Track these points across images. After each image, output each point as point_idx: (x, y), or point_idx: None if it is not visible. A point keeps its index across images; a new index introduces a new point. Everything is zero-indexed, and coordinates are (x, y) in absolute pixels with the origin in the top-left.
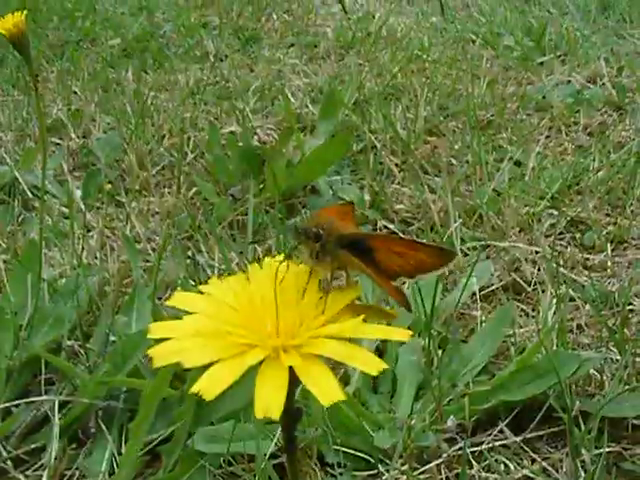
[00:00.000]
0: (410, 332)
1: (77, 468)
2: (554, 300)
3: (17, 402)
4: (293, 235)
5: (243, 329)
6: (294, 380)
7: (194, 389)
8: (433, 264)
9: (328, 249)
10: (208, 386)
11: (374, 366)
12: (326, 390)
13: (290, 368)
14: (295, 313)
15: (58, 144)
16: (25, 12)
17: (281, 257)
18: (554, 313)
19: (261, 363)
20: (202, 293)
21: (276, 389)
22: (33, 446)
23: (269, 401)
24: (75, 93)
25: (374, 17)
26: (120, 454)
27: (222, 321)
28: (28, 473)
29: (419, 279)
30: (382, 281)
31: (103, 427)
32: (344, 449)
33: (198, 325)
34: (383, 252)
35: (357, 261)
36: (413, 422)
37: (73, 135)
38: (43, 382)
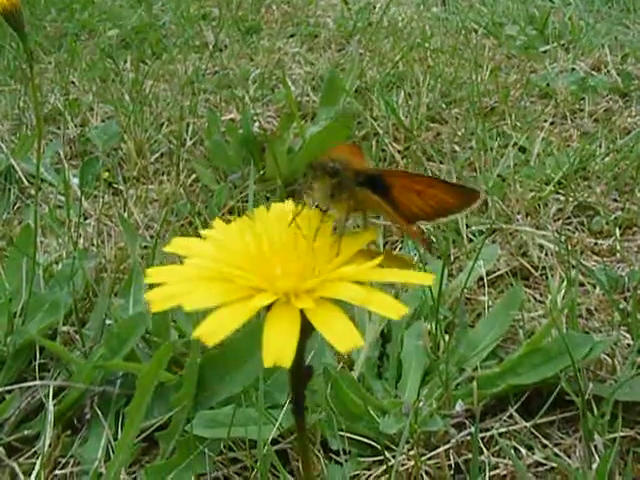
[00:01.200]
0: (432, 276)
1: (72, 455)
2: (563, 283)
3: (10, 387)
4: (309, 171)
5: (250, 272)
6: (306, 329)
7: (195, 334)
8: (454, 204)
9: (345, 185)
10: (211, 331)
11: (394, 310)
12: (342, 335)
13: (302, 314)
14: (307, 256)
15: (56, 133)
16: None
17: (290, 202)
18: (563, 297)
19: (269, 309)
20: (203, 238)
21: (287, 334)
22: (27, 433)
23: (279, 347)
24: (73, 83)
25: (375, 7)
26: (116, 440)
27: (227, 264)
28: (21, 461)
29: (438, 222)
30: (402, 221)
31: (99, 413)
32: (349, 435)
33: (200, 269)
34: (401, 191)
35: (376, 198)
36: (420, 407)
37: (71, 124)
38: (38, 368)
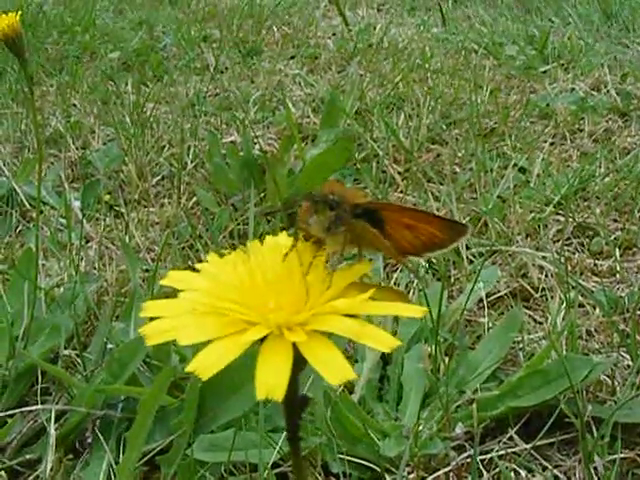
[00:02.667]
0: (424, 309)
1: (74, 479)
2: (563, 305)
3: (12, 412)
4: (308, 204)
5: (243, 306)
6: (298, 362)
7: (189, 368)
8: (443, 239)
9: (343, 218)
10: (204, 365)
11: (386, 343)
12: (334, 368)
13: (294, 347)
14: (299, 289)
15: (57, 156)
16: (20, 13)
17: (284, 235)
18: (563, 318)
19: (263, 342)
20: (198, 271)
21: (279, 367)
22: (28, 457)
23: (272, 380)
24: (74, 106)
25: (375, 28)
26: (118, 464)
27: (221, 298)
28: None
29: (427, 257)
30: (396, 254)
31: (100, 437)
32: (349, 458)
33: (195, 303)
34: (394, 225)
35: (374, 231)
36: (420, 430)
37: (72, 146)
38: (39, 392)
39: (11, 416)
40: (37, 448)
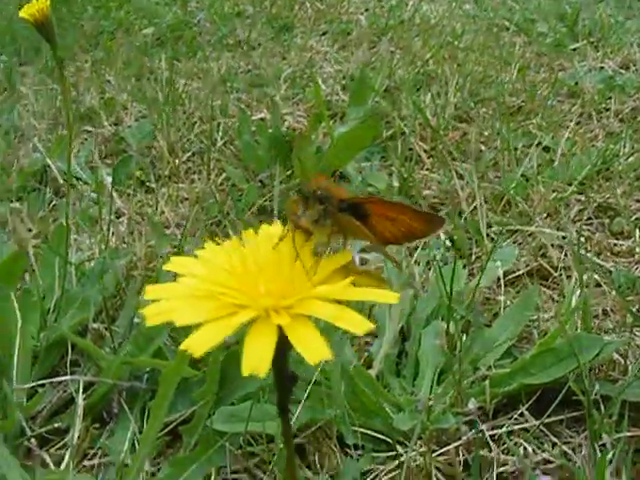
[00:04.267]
0: (398, 295)
1: (99, 447)
2: (578, 284)
3: (42, 382)
4: (298, 198)
5: (235, 291)
6: (287, 343)
7: (182, 346)
8: (422, 230)
9: (330, 212)
10: (197, 343)
11: (360, 326)
12: (313, 349)
13: (280, 329)
14: (288, 276)
15: (91, 132)
16: None
17: (278, 224)
18: (579, 297)
19: (251, 324)
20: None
21: (264, 347)
22: (57, 425)
23: (257, 359)
24: (109, 82)
25: (407, 5)
26: (142, 433)
27: (215, 283)
28: (52, 452)
29: (405, 245)
30: (379, 244)
31: (126, 407)
32: (364, 430)
33: (192, 287)
34: (377, 218)
35: (357, 224)
36: (433, 404)
37: (105, 123)
38: (69, 363)
39: (42, 386)
40: (66, 417)
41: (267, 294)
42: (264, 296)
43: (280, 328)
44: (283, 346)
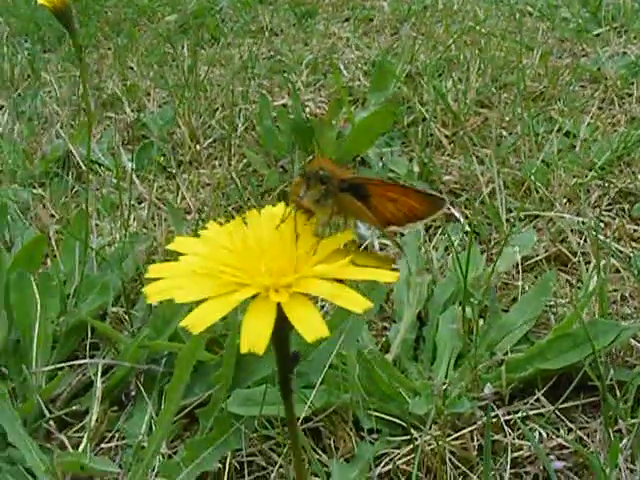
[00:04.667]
0: (397, 274)
1: (117, 430)
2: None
3: (61, 365)
4: (301, 178)
5: (237, 269)
6: (287, 322)
7: (183, 323)
8: (423, 211)
9: (331, 192)
10: (196, 321)
11: (359, 304)
12: (310, 326)
13: (279, 307)
14: (288, 255)
15: (113, 118)
16: None
17: (281, 205)
18: (596, 283)
19: (251, 302)
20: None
21: (262, 324)
22: (76, 408)
23: (255, 336)
24: (131, 69)
25: None
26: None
27: (217, 261)
28: (70, 434)
29: (409, 228)
30: (379, 224)
31: (143, 390)
32: (380, 415)
33: (194, 266)
34: (378, 199)
35: (358, 204)
36: (449, 389)
37: (128, 109)
38: (88, 347)
39: (61, 369)
40: (85, 400)
41: (267, 273)
42: (264, 275)
43: (280, 307)
44: (283, 324)
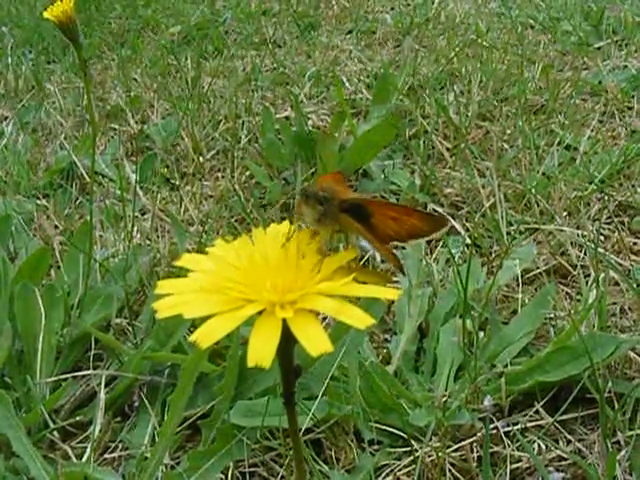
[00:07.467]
0: (399, 291)
1: (120, 440)
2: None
3: (65, 376)
4: (301, 198)
5: (243, 286)
6: (292, 337)
7: (191, 338)
8: (424, 230)
9: (331, 213)
10: (204, 336)
11: (361, 321)
12: (315, 342)
13: (284, 323)
14: (294, 272)
15: (117, 130)
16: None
17: (286, 223)
18: (595, 296)
19: (257, 318)
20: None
21: (268, 340)
22: (80, 419)
23: (261, 351)
24: (135, 80)
25: (433, 2)
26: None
27: (224, 278)
28: (74, 444)
29: (411, 245)
30: (378, 244)
31: (146, 401)
32: (381, 426)
33: (201, 282)
34: (380, 218)
35: (357, 225)
36: (448, 401)
37: (131, 121)
38: (92, 358)
39: (65, 380)
40: (88, 411)
41: (273, 289)
42: (270, 291)
43: (285, 322)
44: (288, 339)
